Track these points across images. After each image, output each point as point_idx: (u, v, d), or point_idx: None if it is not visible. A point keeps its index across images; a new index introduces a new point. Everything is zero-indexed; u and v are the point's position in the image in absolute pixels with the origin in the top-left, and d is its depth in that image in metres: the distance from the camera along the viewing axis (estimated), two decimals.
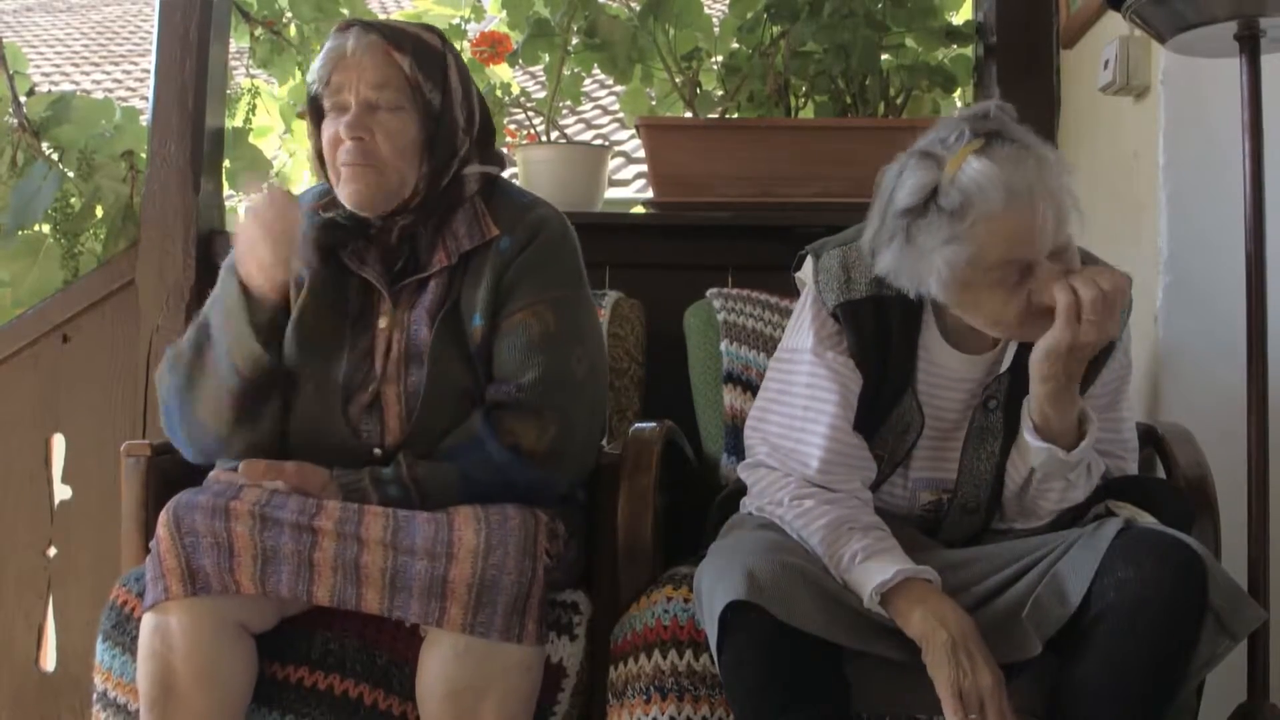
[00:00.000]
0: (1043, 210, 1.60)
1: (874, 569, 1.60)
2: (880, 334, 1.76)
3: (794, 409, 1.78)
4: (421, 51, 1.90)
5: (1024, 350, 1.72)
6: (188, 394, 1.89)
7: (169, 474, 1.95)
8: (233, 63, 3.23)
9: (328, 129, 1.89)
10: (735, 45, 2.98)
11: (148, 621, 1.74)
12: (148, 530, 1.88)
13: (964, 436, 1.79)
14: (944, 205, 1.60)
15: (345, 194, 1.89)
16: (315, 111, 1.92)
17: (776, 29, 2.85)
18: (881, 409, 1.78)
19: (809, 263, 1.83)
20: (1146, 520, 1.66)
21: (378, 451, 1.87)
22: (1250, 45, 1.81)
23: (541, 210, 1.97)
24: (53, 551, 2.76)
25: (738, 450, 2.20)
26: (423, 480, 1.81)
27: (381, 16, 4.41)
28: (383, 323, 1.91)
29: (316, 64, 1.89)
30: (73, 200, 3.06)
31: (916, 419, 1.78)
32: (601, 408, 2.02)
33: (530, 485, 1.83)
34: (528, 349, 1.86)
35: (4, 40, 3.29)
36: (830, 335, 1.78)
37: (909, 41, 2.90)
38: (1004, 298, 1.64)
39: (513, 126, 3.15)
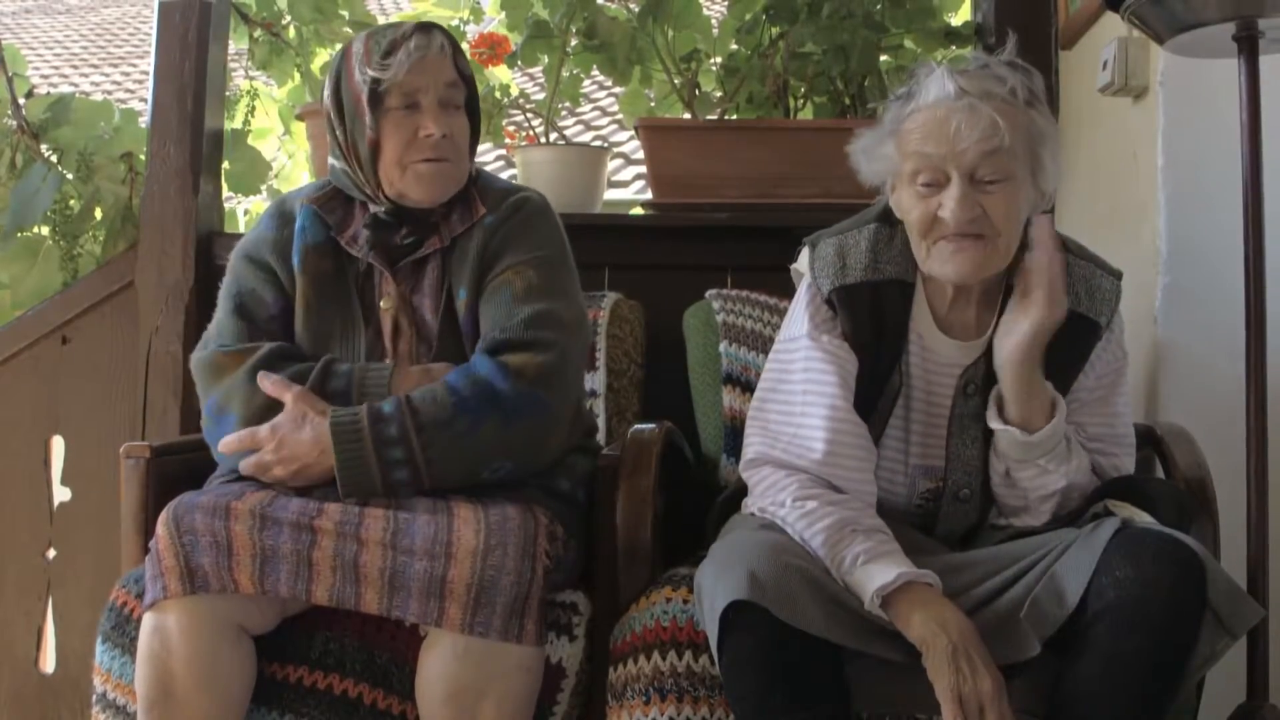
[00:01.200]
0: (970, 117, 1.67)
1: (876, 572, 1.60)
2: (874, 318, 1.79)
3: (793, 394, 1.79)
4: (467, 58, 2.04)
5: (998, 337, 1.77)
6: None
7: (168, 475, 1.95)
8: (232, 64, 3.23)
9: (399, 126, 1.92)
10: (734, 46, 2.98)
11: (147, 623, 1.74)
12: (147, 531, 1.88)
13: (947, 422, 1.80)
14: (905, 97, 1.75)
15: (421, 187, 1.94)
16: (374, 104, 1.92)
17: (775, 30, 2.85)
18: (874, 392, 1.79)
19: (805, 254, 1.86)
20: (1145, 520, 1.66)
21: None
22: (1248, 46, 1.81)
23: (525, 191, 2.06)
24: (52, 553, 2.76)
25: (737, 451, 2.19)
26: (415, 402, 1.80)
27: (380, 19, 4.43)
28: (384, 304, 1.96)
29: (392, 59, 1.91)
30: (72, 202, 3.06)
31: (897, 386, 1.80)
32: (583, 366, 2.05)
33: (515, 401, 1.81)
34: (513, 301, 1.91)
35: (3, 42, 3.29)
36: (825, 320, 1.81)
37: (908, 42, 2.90)
38: (913, 200, 1.74)
39: (512, 128, 3.15)
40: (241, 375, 1.90)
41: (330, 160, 2.02)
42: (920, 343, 1.81)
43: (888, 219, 1.83)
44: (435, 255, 1.97)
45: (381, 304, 1.97)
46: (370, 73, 1.92)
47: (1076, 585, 1.58)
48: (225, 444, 1.86)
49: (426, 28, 1.96)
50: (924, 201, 1.72)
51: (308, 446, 1.81)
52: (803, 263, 1.87)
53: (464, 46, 3.13)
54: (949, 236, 1.71)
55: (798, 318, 1.83)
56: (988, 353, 1.78)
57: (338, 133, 1.97)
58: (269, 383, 1.86)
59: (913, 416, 1.81)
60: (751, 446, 1.83)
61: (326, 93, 1.98)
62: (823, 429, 1.74)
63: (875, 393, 1.79)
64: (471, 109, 2.01)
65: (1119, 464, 1.82)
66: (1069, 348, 1.78)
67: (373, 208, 1.99)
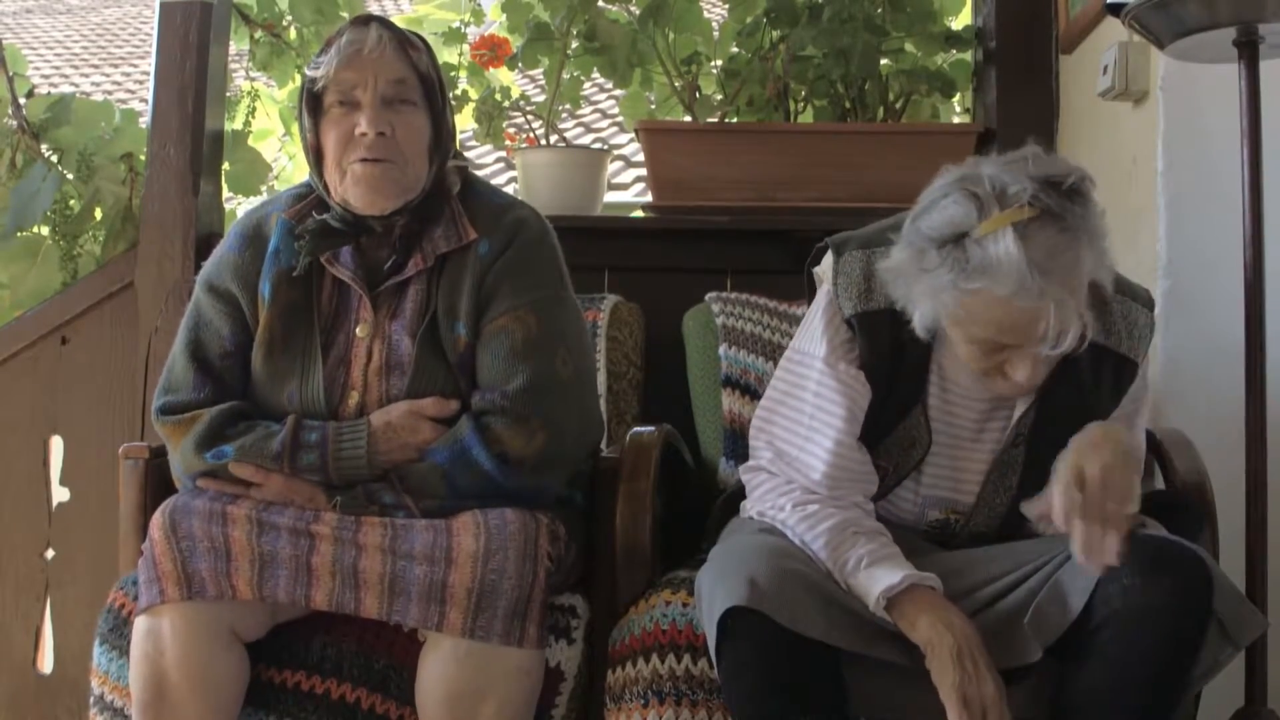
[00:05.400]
0: (1048, 313, 1.55)
1: (880, 574, 1.60)
2: (894, 348, 1.73)
3: (801, 415, 1.77)
4: (430, 53, 1.91)
5: (1053, 385, 1.70)
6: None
7: (167, 476, 1.94)
8: (232, 65, 3.23)
9: (336, 125, 1.83)
10: (735, 49, 2.98)
11: (140, 625, 1.74)
12: (146, 533, 1.88)
13: (987, 469, 1.76)
14: (960, 258, 1.55)
15: (358, 191, 1.84)
16: (313, 105, 1.86)
17: (776, 33, 2.85)
18: (887, 422, 1.76)
19: (828, 258, 1.79)
20: (1154, 527, 1.65)
21: None
22: (1249, 51, 1.81)
23: (519, 211, 1.95)
24: (51, 554, 2.76)
25: (736, 454, 2.20)
26: (411, 486, 1.79)
27: None
28: (361, 330, 1.87)
29: (325, 57, 1.83)
30: (72, 202, 3.06)
31: (924, 437, 1.75)
32: (593, 406, 2.00)
33: (520, 492, 1.82)
34: (511, 356, 1.84)
35: (4, 42, 3.29)
36: (843, 344, 1.75)
37: (908, 46, 2.90)
38: (977, 356, 1.64)
39: (512, 130, 3.14)
40: (190, 449, 1.84)
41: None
42: (940, 373, 1.76)
43: None
44: (419, 277, 1.88)
45: (357, 331, 1.87)
46: (308, 72, 1.84)
47: (1081, 592, 1.57)
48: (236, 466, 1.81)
49: (364, 20, 1.85)
50: (987, 358, 1.63)
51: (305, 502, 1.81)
52: (825, 267, 1.80)
53: (464, 48, 3.16)
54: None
55: (816, 335, 1.77)
56: (1039, 401, 1.72)
57: (300, 138, 1.90)
58: (246, 473, 1.80)
59: (931, 448, 1.78)
60: (756, 455, 1.81)
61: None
62: (825, 461, 1.72)
63: (891, 424, 1.75)
64: (434, 108, 1.88)
65: None
66: (1112, 388, 1.75)
67: (317, 214, 1.88)
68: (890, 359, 1.74)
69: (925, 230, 1.60)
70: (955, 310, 1.59)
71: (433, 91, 1.89)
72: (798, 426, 1.76)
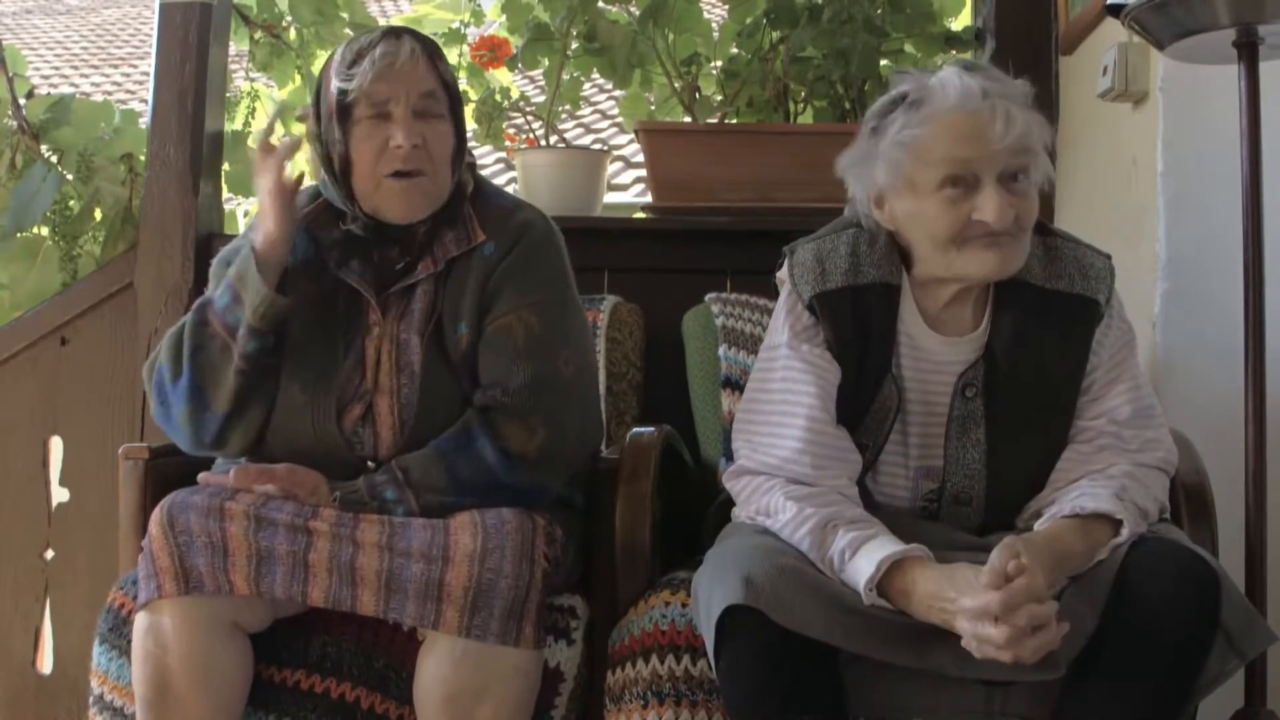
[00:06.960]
0: (996, 113, 1.65)
1: (862, 565, 1.58)
2: (858, 323, 1.76)
3: (771, 404, 1.77)
4: (450, 64, 1.94)
5: (995, 336, 1.75)
6: (192, 366, 1.85)
7: (167, 477, 1.95)
8: (232, 66, 3.23)
9: (369, 137, 1.84)
10: (735, 50, 2.98)
11: (140, 622, 1.74)
12: (145, 533, 1.88)
13: (945, 424, 1.78)
14: (907, 99, 1.69)
15: (393, 204, 1.86)
16: (343, 116, 1.86)
17: (776, 34, 2.86)
18: (865, 398, 1.76)
19: (786, 262, 1.83)
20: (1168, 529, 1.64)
21: (371, 465, 1.86)
22: (1249, 52, 1.81)
23: (525, 213, 1.97)
24: (50, 554, 2.76)
25: None
26: (413, 479, 1.79)
27: (381, 21, 4.44)
28: (370, 331, 1.89)
29: (357, 69, 1.84)
30: (71, 203, 3.07)
31: (894, 402, 1.76)
32: (594, 407, 2.01)
33: (520, 489, 1.82)
34: (513, 355, 1.85)
35: (3, 42, 3.29)
36: (806, 328, 1.77)
37: (908, 47, 2.90)
38: (942, 207, 1.68)
39: (512, 131, 3.15)
40: (170, 341, 1.88)
41: (320, 171, 1.95)
42: (910, 343, 1.78)
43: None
44: (427, 280, 1.90)
45: (368, 332, 1.89)
46: (337, 83, 1.85)
47: (1095, 607, 1.56)
48: (236, 477, 1.81)
49: (396, 33, 1.88)
50: (954, 207, 1.67)
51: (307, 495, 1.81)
52: (784, 270, 1.83)
53: (464, 49, 3.16)
54: (982, 236, 1.67)
55: (778, 327, 1.80)
56: (986, 353, 1.76)
57: (316, 145, 1.90)
58: (250, 476, 1.80)
59: (910, 419, 1.79)
60: (737, 457, 1.81)
61: (310, 103, 1.93)
62: (799, 439, 1.71)
63: (866, 400, 1.77)
64: (456, 117, 1.92)
65: (1168, 453, 1.77)
66: (1072, 331, 1.76)
67: (344, 224, 1.91)
68: (855, 336, 1.76)
69: (874, 110, 1.75)
70: (911, 138, 1.67)
71: (456, 101, 1.93)
72: (770, 415, 1.76)
